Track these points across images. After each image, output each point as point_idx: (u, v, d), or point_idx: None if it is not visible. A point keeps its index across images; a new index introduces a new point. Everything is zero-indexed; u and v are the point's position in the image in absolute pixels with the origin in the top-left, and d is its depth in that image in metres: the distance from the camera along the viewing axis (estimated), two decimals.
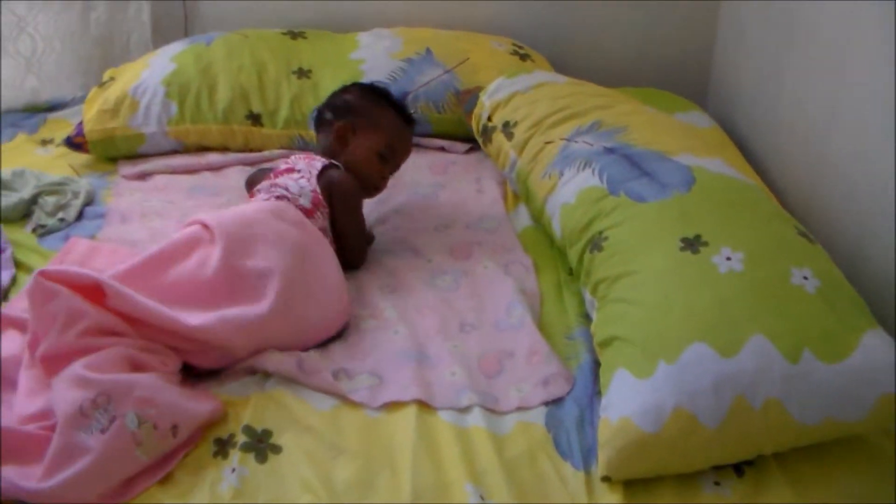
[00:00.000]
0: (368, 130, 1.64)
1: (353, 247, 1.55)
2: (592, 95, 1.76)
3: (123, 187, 1.86)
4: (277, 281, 1.31)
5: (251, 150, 2.01)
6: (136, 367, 1.19)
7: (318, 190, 1.53)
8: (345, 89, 1.71)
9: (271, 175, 1.59)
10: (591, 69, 2.21)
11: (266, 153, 1.98)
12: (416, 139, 1.96)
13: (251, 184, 1.67)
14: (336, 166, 1.60)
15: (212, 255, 1.33)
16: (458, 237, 1.68)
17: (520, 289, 1.49)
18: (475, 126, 1.90)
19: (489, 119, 1.84)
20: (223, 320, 1.26)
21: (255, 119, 2.00)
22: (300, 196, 1.52)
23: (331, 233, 1.54)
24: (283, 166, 1.60)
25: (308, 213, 1.50)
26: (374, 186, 1.64)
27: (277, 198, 1.50)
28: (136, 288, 1.25)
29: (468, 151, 2.01)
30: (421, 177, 1.91)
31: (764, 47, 1.93)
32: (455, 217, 1.76)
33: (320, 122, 1.69)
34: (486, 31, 2.22)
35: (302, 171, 1.57)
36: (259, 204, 1.48)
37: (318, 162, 1.59)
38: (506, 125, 1.79)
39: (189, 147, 2.00)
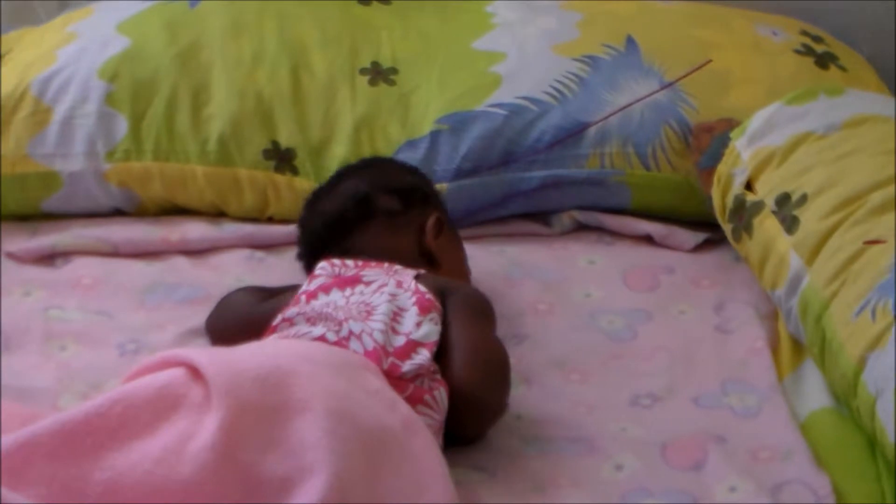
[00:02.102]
0: (455, 239, 1.80)
1: (491, 384, 1.58)
2: None
3: (11, 278, 1.86)
4: (318, 493, 1.27)
5: (270, 220, 2.01)
6: None
7: (425, 290, 1.60)
8: (388, 168, 1.85)
9: (301, 300, 1.62)
10: None
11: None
12: (598, 218, 1.99)
13: (254, 322, 1.65)
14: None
15: (200, 432, 1.31)
16: (675, 423, 1.62)
17: None
18: (718, 198, 1.87)
19: (748, 187, 1.81)
20: None
21: (282, 158, 2.00)
22: (394, 313, 1.56)
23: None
24: (323, 278, 1.65)
25: (401, 353, 1.52)
26: None
27: (339, 340, 1.53)
28: (31, 485, 1.24)
29: (700, 247, 1.98)
30: (605, 293, 1.87)
31: None
32: (671, 379, 1.69)
33: (363, 210, 1.76)
34: (750, 5, 2.24)
35: (378, 281, 1.63)
36: (302, 344, 1.51)
37: (403, 270, 1.65)
38: (783, 201, 1.75)
39: (147, 205, 2.01)
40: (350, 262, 1.68)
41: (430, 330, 1.56)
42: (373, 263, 1.67)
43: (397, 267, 1.67)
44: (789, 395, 1.65)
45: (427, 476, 1.38)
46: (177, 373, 1.36)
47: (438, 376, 1.54)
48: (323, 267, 1.67)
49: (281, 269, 1.86)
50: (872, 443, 1.52)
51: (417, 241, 1.75)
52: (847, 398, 1.55)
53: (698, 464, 1.52)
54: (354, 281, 1.63)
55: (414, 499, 1.35)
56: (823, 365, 1.61)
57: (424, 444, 1.41)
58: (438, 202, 1.84)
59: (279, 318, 1.59)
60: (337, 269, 1.67)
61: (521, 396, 1.64)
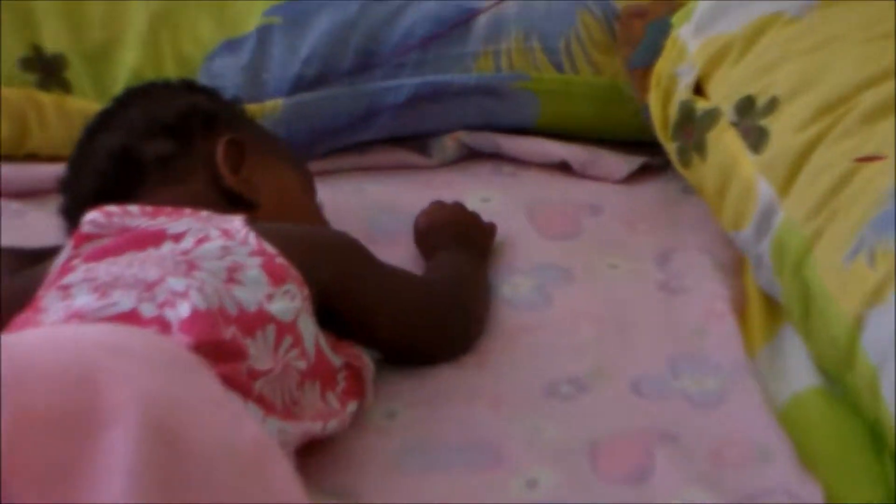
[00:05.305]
0: (267, 156, 1.74)
1: (428, 333, 1.63)
2: None
3: None
4: None
5: (34, 157, 1.99)
6: None
7: (274, 251, 1.53)
8: (151, 99, 1.75)
9: (67, 268, 1.53)
10: None
11: None
12: (494, 140, 1.98)
13: (10, 300, 1.56)
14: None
15: None
16: (608, 418, 1.56)
17: None
18: (658, 108, 1.85)
19: (698, 91, 1.79)
20: None
21: (47, 70, 1.98)
22: (228, 270, 1.48)
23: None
24: (103, 239, 1.57)
25: (250, 324, 1.45)
26: None
27: (159, 315, 1.44)
28: None
29: (634, 177, 1.95)
30: (506, 243, 1.83)
31: None
32: (601, 359, 1.64)
33: (126, 169, 1.67)
34: None
35: (193, 232, 1.55)
36: (111, 330, 1.41)
37: (219, 216, 1.59)
38: (746, 108, 1.73)
39: None
40: (134, 209, 1.56)
41: (285, 307, 1.48)
42: (168, 209, 1.57)
43: (207, 213, 1.58)
44: (763, 373, 1.60)
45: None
46: None
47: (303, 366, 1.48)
48: (93, 220, 1.56)
49: (46, 224, 1.76)
50: (875, 430, 1.47)
51: (214, 182, 1.67)
52: (840, 372, 1.51)
53: (642, 472, 1.45)
54: (158, 237, 1.53)
55: None
56: (807, 329, 1.57)
57: (283, 474, 1.32)
58: (236, 120, 1.75)
59: (52, 290, 1.48)
60: (117, 220, 1.55)
61: (394, 389, 1.58)
